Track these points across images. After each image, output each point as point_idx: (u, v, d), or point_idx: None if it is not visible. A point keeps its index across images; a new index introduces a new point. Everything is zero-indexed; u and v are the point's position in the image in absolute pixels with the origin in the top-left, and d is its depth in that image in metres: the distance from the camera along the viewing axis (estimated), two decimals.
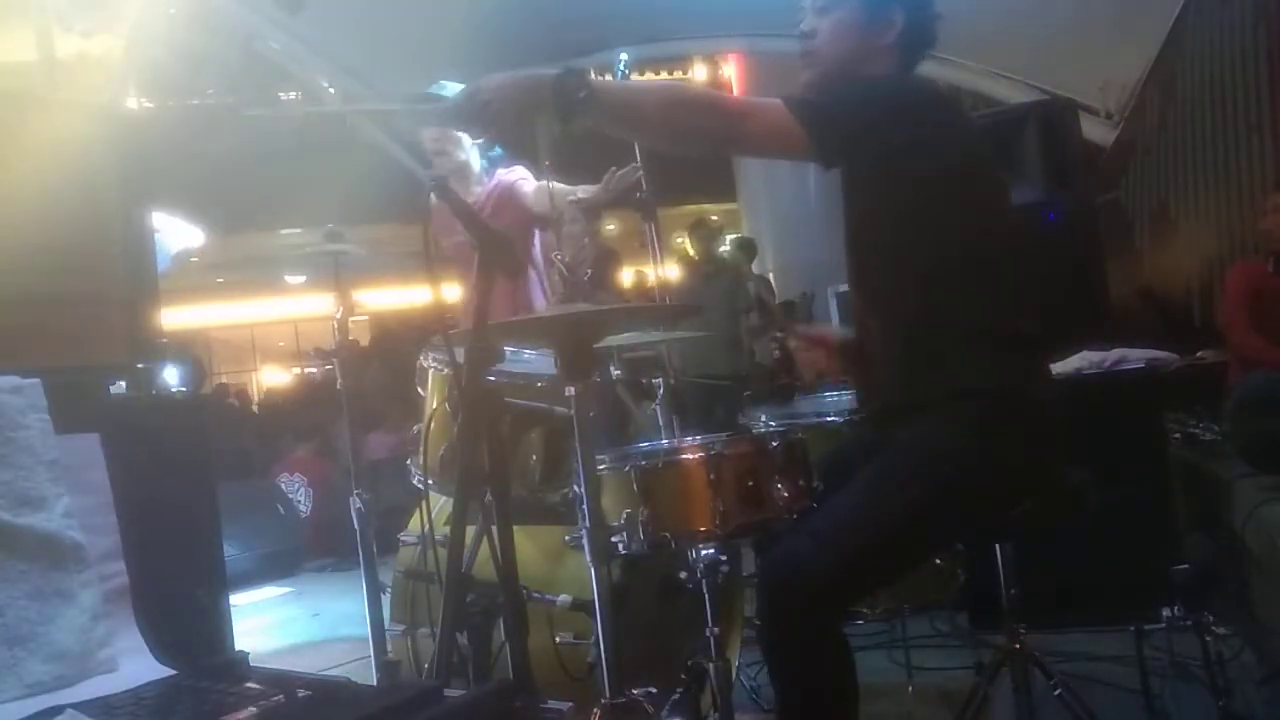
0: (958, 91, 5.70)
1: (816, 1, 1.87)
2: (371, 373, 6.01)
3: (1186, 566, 2.51)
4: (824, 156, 1.68)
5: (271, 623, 4.66)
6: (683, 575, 1.95)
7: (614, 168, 2.82)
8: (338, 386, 2.50)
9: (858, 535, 1.66)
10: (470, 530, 1.58)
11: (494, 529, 1.53)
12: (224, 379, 13.84)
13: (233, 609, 1.92)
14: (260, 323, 15.68)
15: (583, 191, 2.91)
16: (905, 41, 1.83)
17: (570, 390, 1.74)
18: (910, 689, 2.62)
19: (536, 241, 3.32)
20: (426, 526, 2.01)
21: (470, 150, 3.31)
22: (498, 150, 3.25)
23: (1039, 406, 1.76)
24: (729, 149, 1.74)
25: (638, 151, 2.67)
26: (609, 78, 2.24)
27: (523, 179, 3.25)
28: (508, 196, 3.24)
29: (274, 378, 15.23)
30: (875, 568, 1.73)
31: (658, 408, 2.58)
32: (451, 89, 2.95)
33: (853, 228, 1.86)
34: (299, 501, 6.34)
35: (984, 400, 1.70)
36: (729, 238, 8.23)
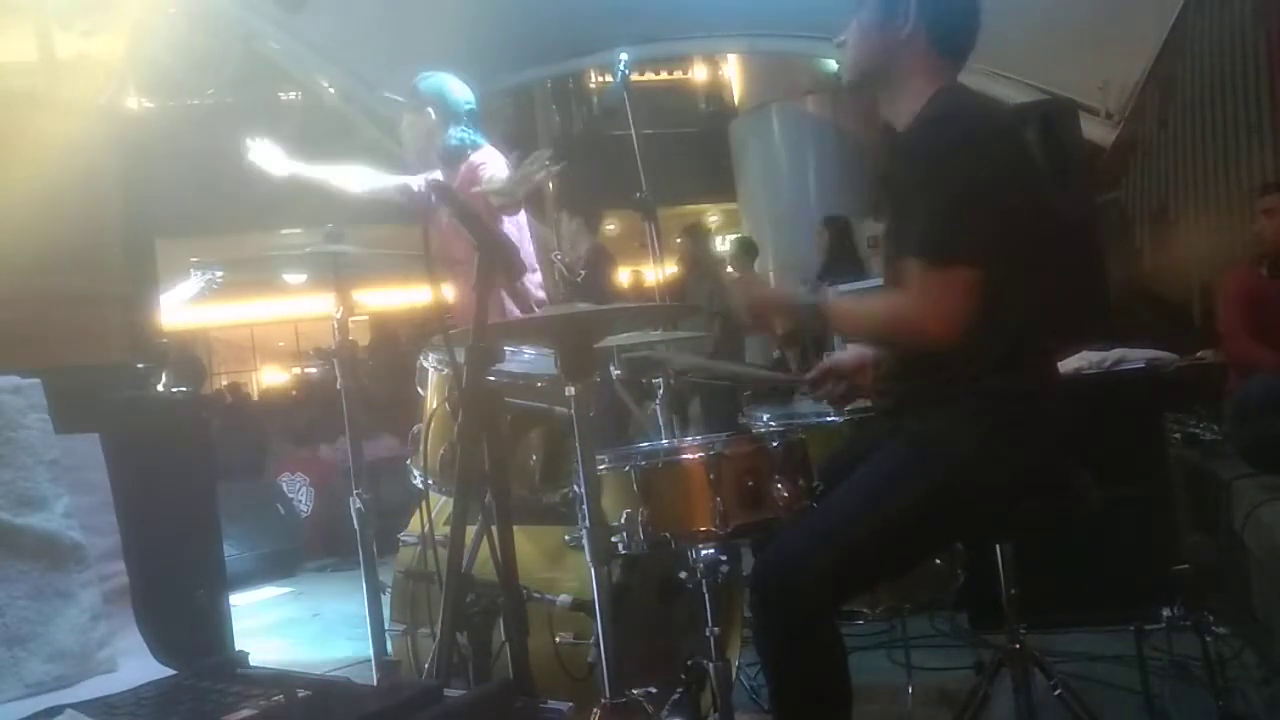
0: None
1: (850, 5, 1.89)
2: (371, 373, 6.00)
3: (1186, 566, 2.51)
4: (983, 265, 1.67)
5: (271, 623, 4.65)
6: (683, 575, 1.95)
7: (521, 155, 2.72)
8: (338, 386, 2.50)
9: (857, 532, 1.67)
10: (470, 530, 1.58)
11: (494, 529, 1.53)
12: (224, 379, 13.84)
13: (233, 609, 1.92)
14: (260, 323, 15.65)
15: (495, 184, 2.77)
16: (934, 34, 1.81)
17: (570, 390, 1.74)
18: (910, 689, 2.62)
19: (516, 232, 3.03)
20: (426, 526, 2.01)
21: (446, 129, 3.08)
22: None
23: (1049, 410, 1.76)
24: (936, 347, 1.71)
25: (637, 150, 2.68)
26: (610, 79, 2.25)
27: (483, 163, 3.01)
28: (468, 181, 2.98)
29: (274, 378, 15.22)
30: (873, 565, 1.73)
31: (658, 408, 2.58)
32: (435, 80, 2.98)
33: (893, 244, 1.87)
34: (300, 501, 6.34)
35: (997, 401, 1.70)
36: (729, 238, 8.23)
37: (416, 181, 3.12)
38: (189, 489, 1.82)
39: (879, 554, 1.70)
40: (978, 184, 1.66)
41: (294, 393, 10.61)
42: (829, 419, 2.51)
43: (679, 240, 6.76)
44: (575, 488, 1.76)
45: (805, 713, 1.68)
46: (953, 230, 1.67)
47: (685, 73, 13.45)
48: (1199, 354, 3.79)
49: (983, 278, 1.64)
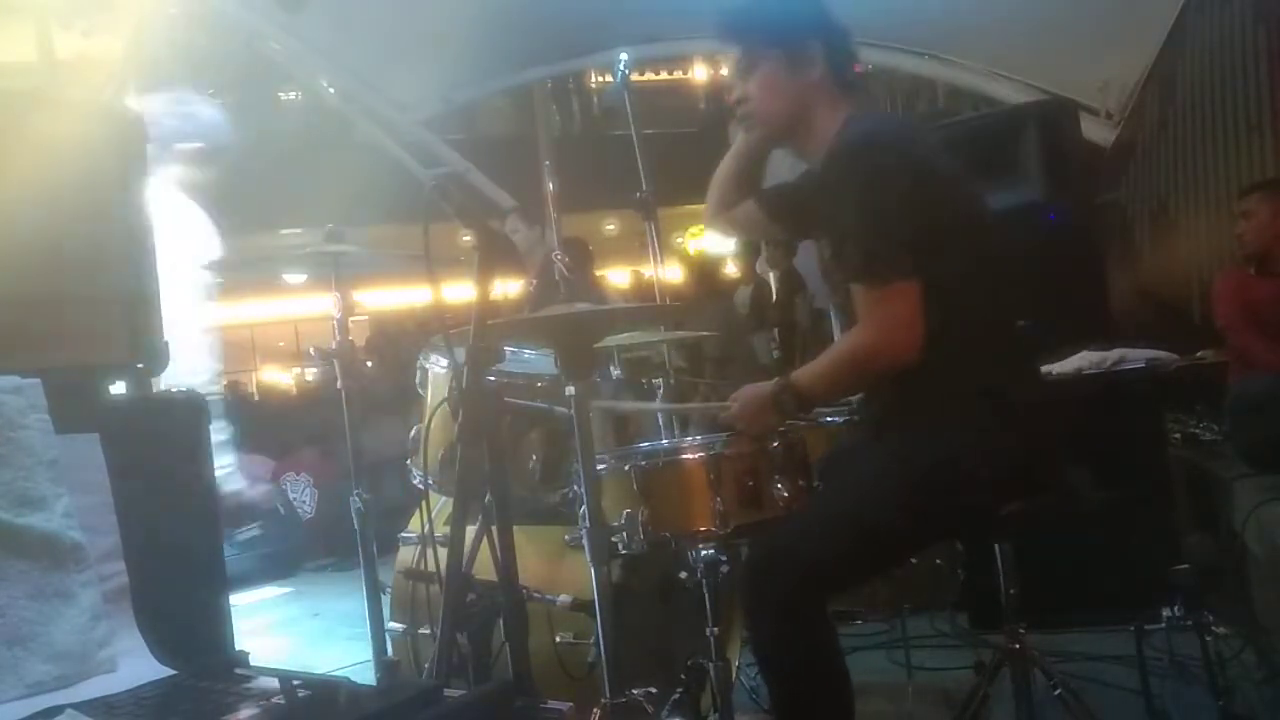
0: (957, 92, 5.68)
1: (739, 65, 1.87)
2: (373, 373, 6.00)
3: (1186, 566, 2.51)
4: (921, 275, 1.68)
5: (271, 623, 4.66)
6: (683, 575, 1.95)
7: None
8: (338, 386, 2.50)
9: (840, 532, 1.69)
10: (470, 530, 1.58)
11: (494, 529, 1.53)
12: (224, 379, 13.82)
13: (233, 609, 1.92)
14: (260, 323, 15.65)
15: None
16: (832, 67, 1.83)
17: (570, 390, 1.74)
18: (910, 689, 2.62)
19: None
20: (426, 526, 2.01)
21: None
22: None
23: (1025, 408, 1.76)
24: (901, 365, 1.70)
25: (637, 150, 2.68)
26: (610, 79, 2.22)
27: None
28: None
29: (274, 377, 15.21)
30: (856, 565, 1.75)
31: None
32: None
33: (836, 273, 1.86)
34: (303, 502, 6.33)
35: (972, 402, 1.71)
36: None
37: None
38: (189, 489, 1.82)
39: (861, 554, 1.72)
40: (903, 197, 1.67)
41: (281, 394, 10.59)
42: (829, 419, 2.51)
43: (679, 240, 6.78)
44: (575, 488, 1.76)
45: (801, 710, 1.68)
46: (884, 246, 1.68)
47: (685, 73, 13.46)
48: (1199, 354, 3.79)
49: (925, 288, 1.66)
